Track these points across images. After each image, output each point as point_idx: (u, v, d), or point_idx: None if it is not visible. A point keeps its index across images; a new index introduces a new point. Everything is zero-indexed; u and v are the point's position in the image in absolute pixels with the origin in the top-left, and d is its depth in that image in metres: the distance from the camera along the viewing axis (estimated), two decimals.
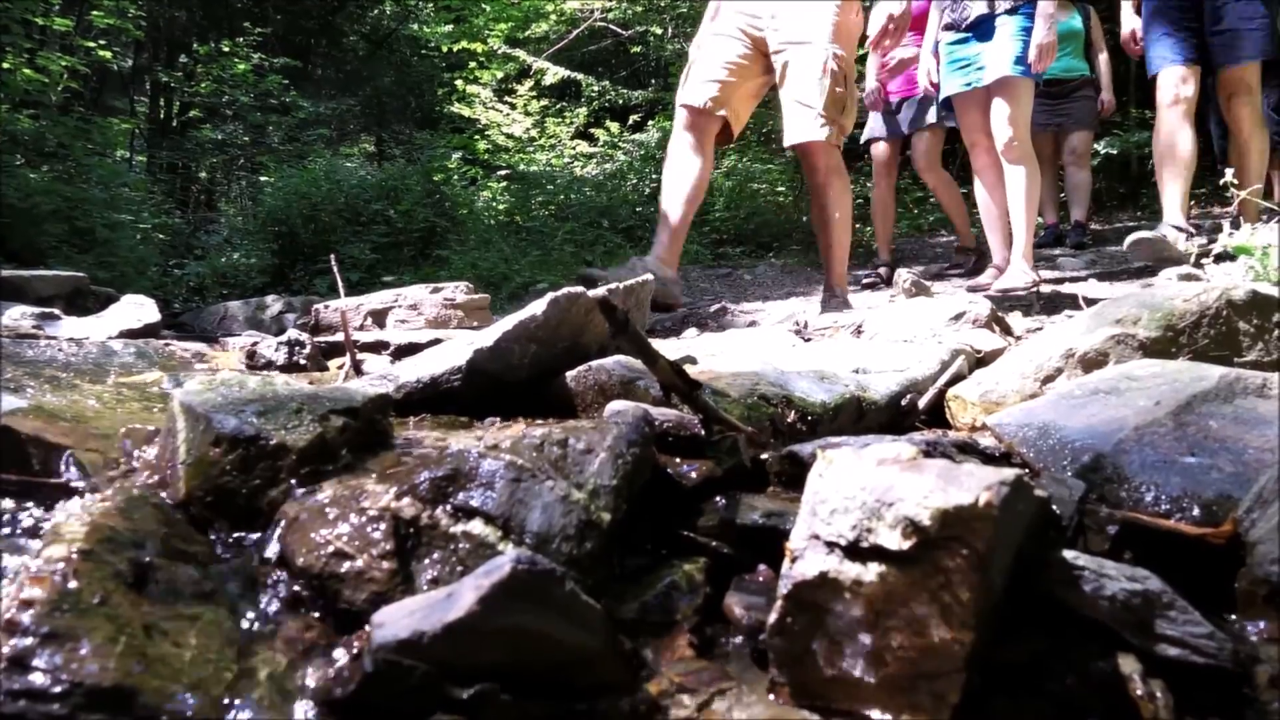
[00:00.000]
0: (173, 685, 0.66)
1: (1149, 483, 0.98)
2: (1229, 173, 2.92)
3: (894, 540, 0.70)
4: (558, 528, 0.85)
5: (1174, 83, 3.69)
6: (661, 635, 0.82)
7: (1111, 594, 0.75)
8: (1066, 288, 3.80)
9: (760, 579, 0.90)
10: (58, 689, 0.63)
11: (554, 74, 8.83)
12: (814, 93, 3.15)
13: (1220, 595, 0.83)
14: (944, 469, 0.73)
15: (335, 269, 2.35)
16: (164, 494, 0.91)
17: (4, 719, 0.61)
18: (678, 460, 1.05)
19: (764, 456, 1.09)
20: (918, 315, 2.22)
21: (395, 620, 0.68)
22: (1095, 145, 6.29)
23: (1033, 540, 0.78)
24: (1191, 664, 0.72)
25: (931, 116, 4.80)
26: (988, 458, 1.08)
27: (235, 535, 0.88)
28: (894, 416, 1.46)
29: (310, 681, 0.70)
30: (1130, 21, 4.13)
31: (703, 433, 1.10)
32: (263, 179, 9.12)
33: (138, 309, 2.64)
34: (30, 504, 0.90)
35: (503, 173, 8.98)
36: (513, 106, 9.35)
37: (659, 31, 8.89)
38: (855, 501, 0.73)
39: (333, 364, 1.94)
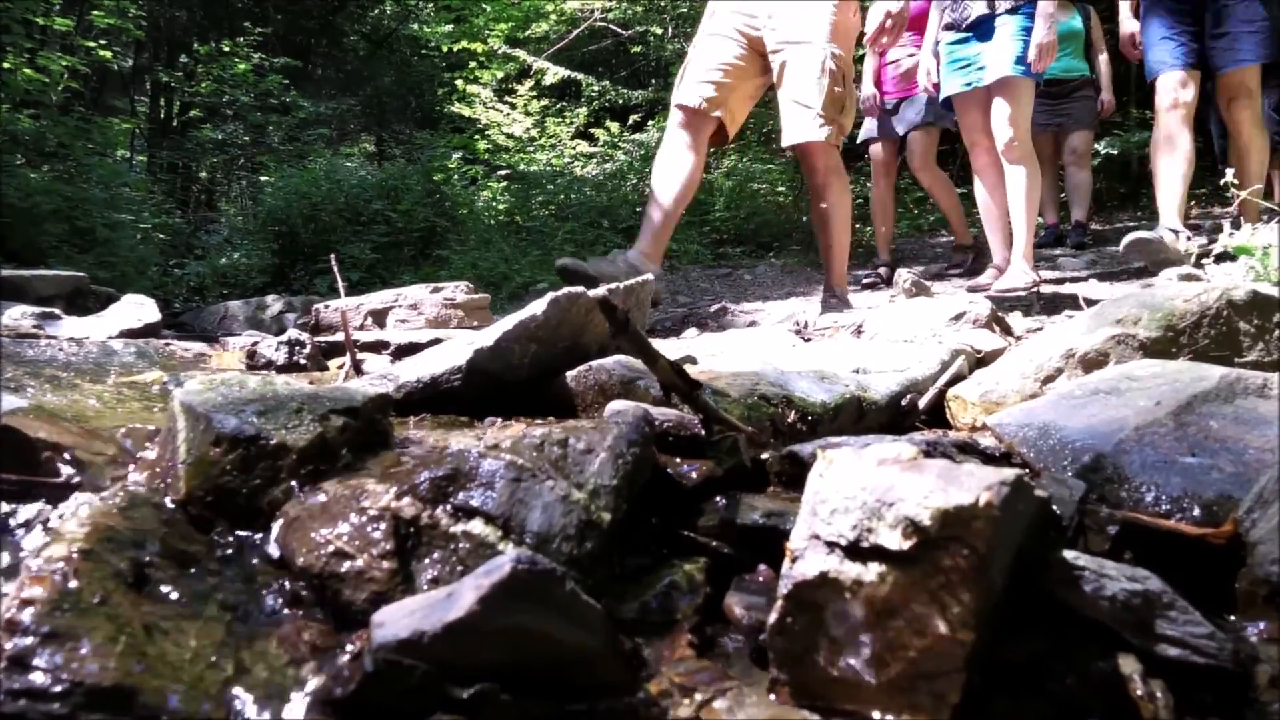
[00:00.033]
0: (173, 685, 0.66)
1: (1149, 483, 0.98)
2: (1229, 173, 2.92)
3: (894, 540, 0.70)
4: (558, 527, 0.85)
5: (1173, 87, 3.67)
6: (661, 635, 0.82)
7: (1112, 594, 0.75)
8: (1067, 288, 3.80)
9: (760, 579, 0.90)
10: (58, 688, 0.63)
11: (554, 74, 8.83)
12: (813, 92, 3.13)
13: (1220, 595, 0.83)
14: (944, 469, 0.73)
15: (335, 269, 2.35)
16: (164, 494, 0.91)
17: (4, 718, 0.61)
18: (678, 460, 1.05)
19: (764, 456, 1.09)
20: (918, 315, 2.22)
21: (395, 620, 0.68)
22: (1095, 145, 6.29)
23: (1033, 540, 0.78)
24: (1192, 664, 0.72)
25: (928, 115, 4.80)
26: (988, 458, 1.08)
27: (235, 535, 0.88)
28: (894, 416, 1.46)
29: (310, 681, 0.70)
30: (1129, 25, 4.12)
31: (703, 433, 1.10)
32: (263, 179, 9.12)
33: (138, 309, 2.64)
34: (30, 504, 0.90)
35: (503, 173, 8.98)
36: (513, 106, 9.35)
37: (659, 31, 8.89)
38: (855, 501, 0.73)
39: (333, 364, 1.94)
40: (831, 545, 0.73)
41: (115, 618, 0.69)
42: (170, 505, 0.89)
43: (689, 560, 0.91)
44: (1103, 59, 5.47)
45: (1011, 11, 3.75)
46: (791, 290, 4.92)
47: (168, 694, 0.65)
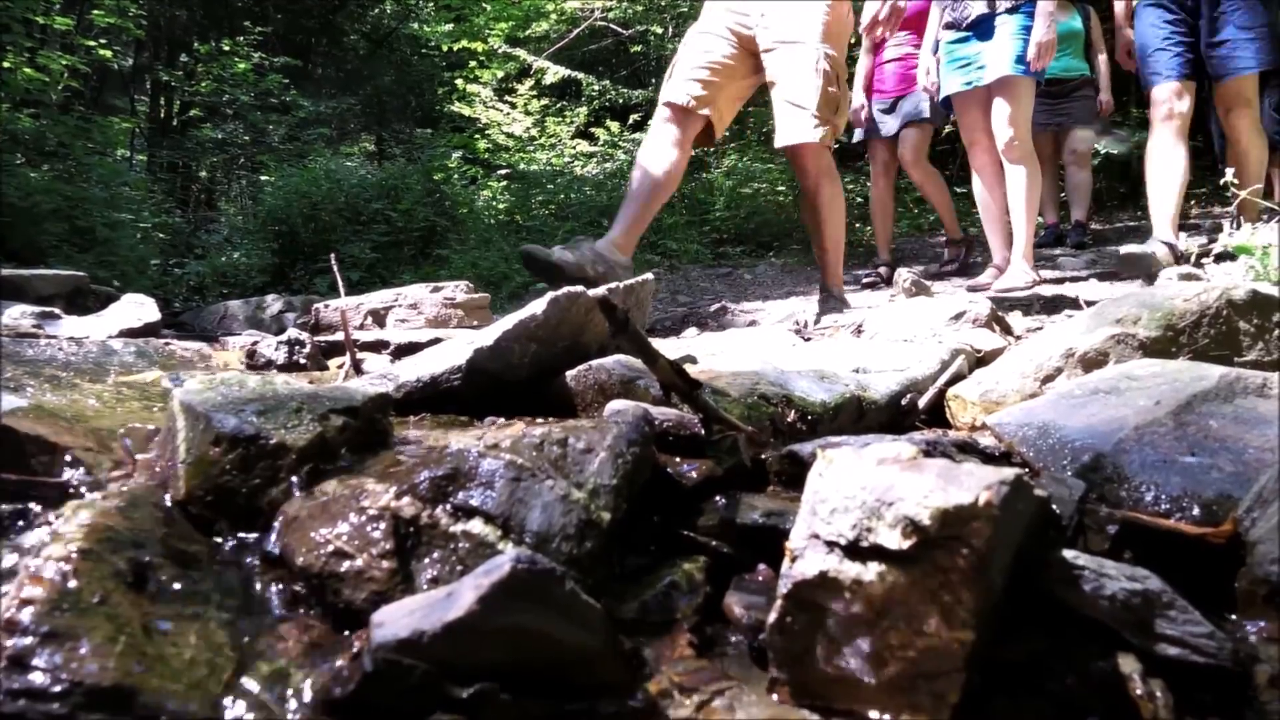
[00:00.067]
0: (172, 685, 0.66)
1: (1149, 482, 0.98)
2: (1229, 172, 2.92)
3: (894, 540, 0.70)
4: (558, 527, 0.85)
5: (1168, 98, 3.65)
6: (661, 635, 0.82)
7: (1111, 594, 0.75)
8: (1066, 288, 3.80)
9: (760, 578, 0.90)
10: (57, 688, 0.63)
11: (554, 73, 8.83)
12: (807, 93, 3.10)
13: (1220, 595, 0.83)
14: (944, 468, 0.73)
15: (335, 268, 2.35)
16: (164, 494, 0.91)
17: (4, 718, 0.61)
18: (678, 460, 1.05)
19: (764, 456, 1.09)
20: (918, 315, 2.22)
21: (395, 619, 0.68)
22: (1095, 145, 6.29)
23: (1033, 540, 0.78)
24: (1191, 664, 0.72)
25: (924, 111, 4.81)
26: (988, 457, 1.08)
27: (235, 535, 0.88)
28: (894, 416, 1.46)
29: (310, 681, 0.70)
30: (1125, 33, 4.10)
31: (703, 432, 1.10)
32: (263, 178, 9.12)
33: (138, 308, 2.64)
34: (30, 504, 0.90)
35: (503, 172, 8.98)
36: (513, 106, 9.34)
37: (659, 31, 8.89)
38: (855, 501, 0.73)
39: (333, 363, 1.94)
40: (831, 545, 0.73)
41: (115, 618, 0.69)
42: (170, 505, 0.89)
43: (689, 560, 0.91)
44: (1102, 59, 5.48)
45: (1011, 11, 3.76)
46: (791, 290, 4.93)
47: (167, 694, 0.66)
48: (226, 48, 10.43)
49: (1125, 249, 3.65)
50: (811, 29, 3.13)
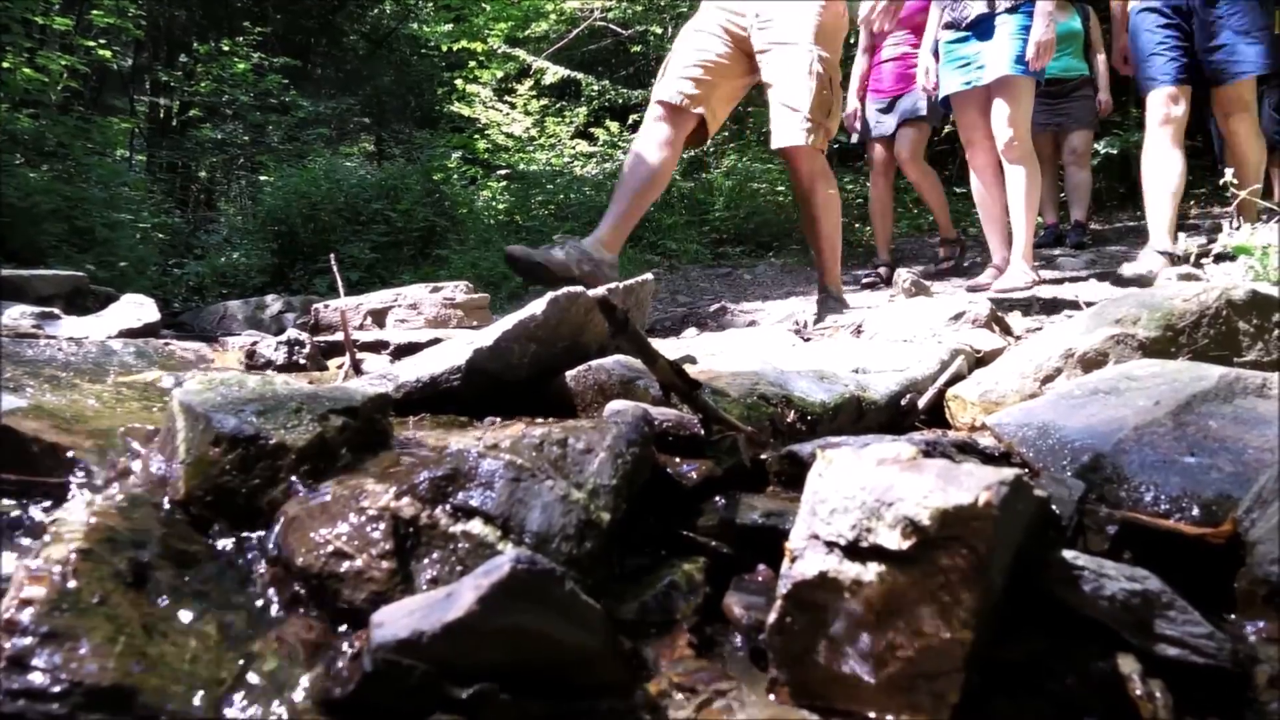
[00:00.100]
0: (172, 685, 0.66)
1: (1148, 483, 0.98)
2: (1229, 173, 2.91)
3: (894, 540, 0.70)
4: (557, 527, 0.85)
5: (1163, 103, 3.61)
6: (661, 635, 0.82)
7: (1111, 594, 0.75)
8: (1066, 288, 3.80)
9: (760, 579, 0.90)
10: (57, 688, 0.63)
11: (554, 73, 8.83)
12: (801, 96, 3.07)
13: (1220, 595, 0.83)
14: (944, 469, 0.73)
15: (335, 268, 2.35)
16: (164, 494, 0.91)
17: (4, 718, 0.61)
18: (677, 460, 1.05)
19: (764, 456, 1.09)
20: (917, 315, 2.22)
21: (394, 620, 0.68)
22: (1095, 145, 6.30)
23: (1032, 540, 0.78)
24: (1191, 664, 0.72)
25: (922, 109, 4.81)
26: (987, 458, 1.08)
27: (235, 535, 0.88)
28: (894, 416, 1.46)
29: (309, 681, 0.70)
30: (1123, 42, 4.08)
31: (702, 432, 1.10)
32: (262, 178, 9.11)
33: (137, 308, 2.63)
34: (30, 504, 0.90)
35: (502, 172, 8.98)
36: (512, 106, 9.34)
37: (659, 31, 8.89)
38: (855, 501, 0.73)
39: (332, 364, 1.94)
40: (831, 545, 0.73)
41: (115, 618, 0.69)
42: (169, 505, 0.89)
43: (688, 560, 0.91)
44: (1101, 59, 5.48)
45: (1011, 10, 3.76)
46: (791, 290, 4.93)
47: (167, 694, 0.65)
48: (226, 48, 10.42)
49: (1124, 269, 3.64)
50: (805, 30, 3.11)
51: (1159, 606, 0.74)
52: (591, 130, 9.01)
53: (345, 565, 0.80)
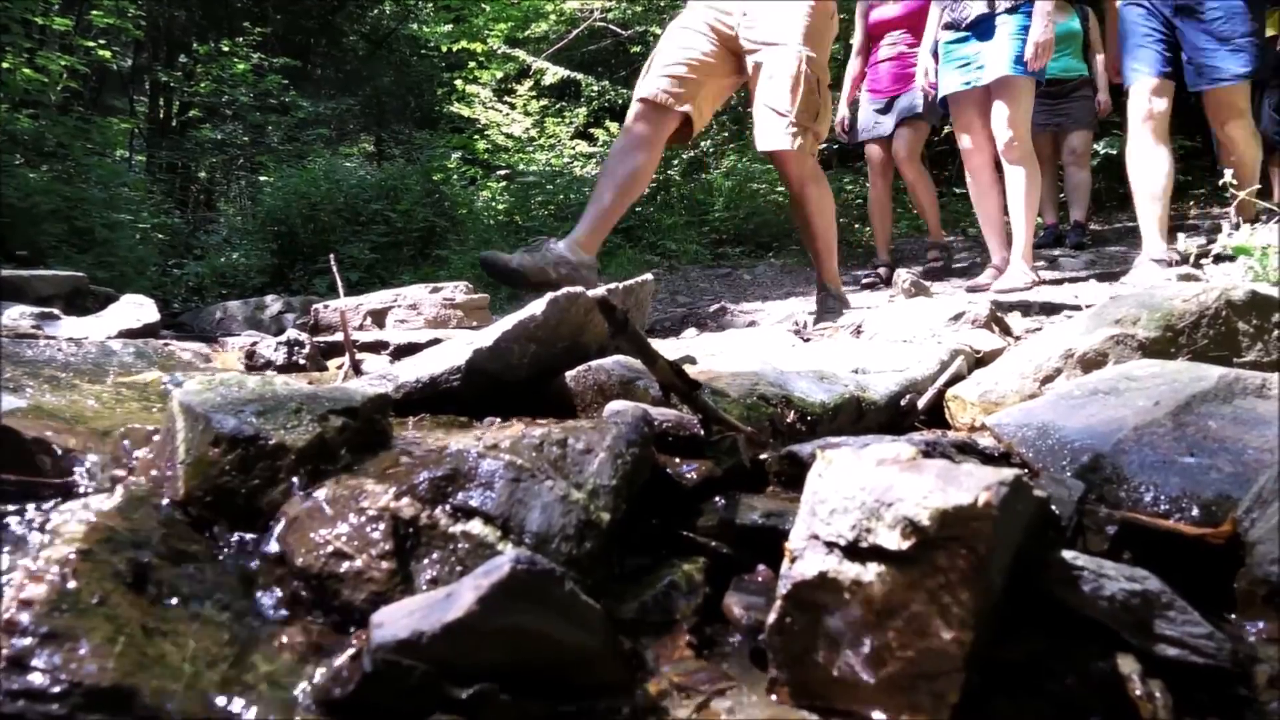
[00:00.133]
0: (172, 685, 0.66)
1: (1148, 483, 0.98)
2: (1228, 173, 2.91)
3: (893, 540, 0.70)
4: (557, 527, 0.85)
5: (1145, 94, 3.55)
6: (661, 635, 0.82)
7: (1111, 594, 0.75)
8: (1066, 288, 3.80)
9: (760, 579, 0.90)
10: (57, 689, 0.63)
11: (554, 74, 8.82)
12: (786, 98, 3.00)
13: (1220, 595, 0.83)
14: (943, 469, 0.73)
15: (335, 269, 2.35)
16: (164, 494, 0.91)
17: (4, 719, 0.61)
18: (677, 460, 1.05)
19: (763, 456, 1.09)
20: (917, 315, 2.22)
21: (394, 620, 0.68)
22: (1095, 145, 6.30)
23: (1032, 540, 0.78)
24: (1191, 664, 0.72)
25: (919, 108, 4.81)
26: (987, 458, 1.08)
27: (235, 535, 0.88)
28: (893, 416, 1.46)
29: (309, 681, 0.70)
30: (1114, 46, 4.05)
31: (702, 433, 1.10)
32: (262, 179, 9.12)
33: (137, 309, 2.63)
34: (30, 504, 0.90)
35: (502, 173, 8.98)
36: (512, 106, 9.34)
37: (659, 31, 8.86)
38: (854, 502, 0.73)
39: (332, 364, 1.94)
40: (830, 545, 0.73)
41: (114, 618, 0.69)
42: (169, 506, 0.89)
43: (688, 560, 0.91)
44: (1100, 59, 5.48)
45: (1011, 11, 3.76)
46: (791, 290, 4.93)
47: (167, 694, 0.65)
48: (225, 48, 10.43)
49: (1121, 287, 3.63)
50: (793, 30, 3.04)
51: (1159, 607, 0.74)
52: (591, 131, 9.00)
53: (345, 565, 0.80)
